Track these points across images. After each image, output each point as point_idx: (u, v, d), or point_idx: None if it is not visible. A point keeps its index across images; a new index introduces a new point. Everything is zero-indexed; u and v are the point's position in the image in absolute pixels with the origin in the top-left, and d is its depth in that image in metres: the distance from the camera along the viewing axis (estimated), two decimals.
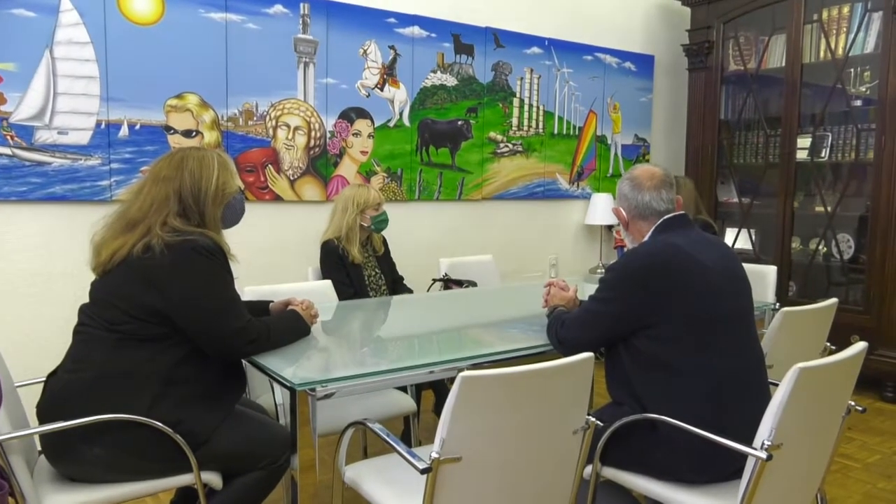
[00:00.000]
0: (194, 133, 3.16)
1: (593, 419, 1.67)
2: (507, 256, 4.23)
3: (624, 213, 2.02)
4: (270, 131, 3.37)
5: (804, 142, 4.26)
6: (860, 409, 1.85)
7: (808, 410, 1.60)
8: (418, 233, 3.95)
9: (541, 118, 4.38)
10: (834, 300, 2.35)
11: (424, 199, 3.95)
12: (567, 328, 1.95)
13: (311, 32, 3.43)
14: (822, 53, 4.15)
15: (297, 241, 3.49)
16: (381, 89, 3.70)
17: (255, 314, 2.05)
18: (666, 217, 1.93)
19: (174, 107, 3.09)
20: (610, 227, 4.77)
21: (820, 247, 4.30)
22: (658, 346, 1.78)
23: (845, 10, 4.03)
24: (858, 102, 4.07)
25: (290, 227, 3.48)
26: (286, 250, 3.46)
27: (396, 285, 3.35)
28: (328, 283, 2.86)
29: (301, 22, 3.40)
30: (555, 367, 1.51)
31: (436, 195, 3.97)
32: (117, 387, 1.73)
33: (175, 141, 3.11)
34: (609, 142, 4.77)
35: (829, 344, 2.48)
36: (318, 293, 2.75)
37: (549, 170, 4.47)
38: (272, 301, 2.23)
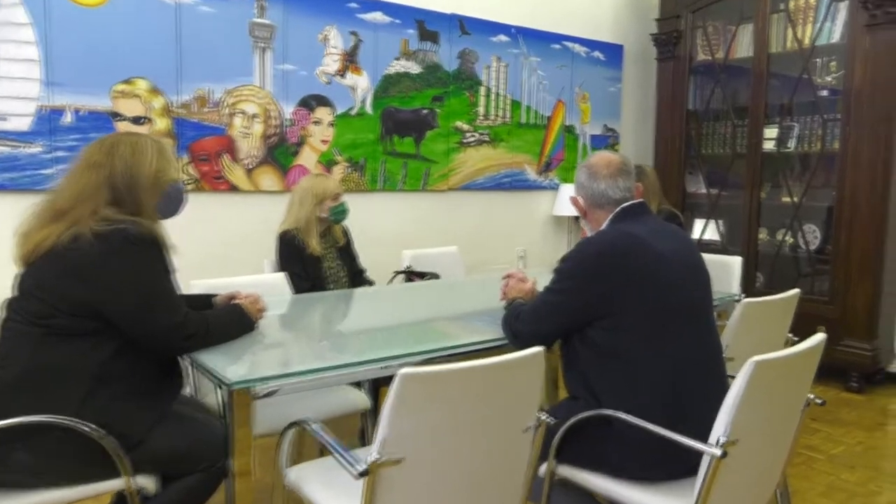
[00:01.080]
0: (143, 120, 3.03)
1: (544, 416, 1.61)
2: (474, 248, 4.16)
3: (581, 201, 1.95)
4: (225, 119, 3.25)
5: (771, 132, 4.24)
6: (819, 401, 1.81)
7: (765, 405, 1.55)
8: (381, 224, 3.86)
9: (508, 107, 4.31)
10: (796, 291, 2.31)
11: (388, 190, 3.86)
12: (522, 321, 1.88)
13: (267, 16, 3.32)
14: (788, 43, 4.13)
15: (254, 232, 3.37)
16: (343, 76, 3.60)
17: (196, 308, 1.95)
18: (623, 205, 1.87)
19: (122, 92, 2.96)
20: (577, 219, 4.72)
21: (787, 237, 4.29)
22: (613, 337, 1.72)
23: None
24: (825, 93, 4.06)
25: (248, 218, 3.37)
26: (243, 242, 3.35)
27: (357, 278, 3.26)
28: (281, 275, 2.76)
29: (257, 6, 3.28)
30: (501, 363, 1.44)
31: (399, 185, 3.89)
32: (43, 385, 1.62)
33: (123, 128, 2.98)
34: (577, 132, 4.72)
35: (791, 335, 2.45)
36: (269, 286, 2.66)
37: (516, 160, 4.40)
38: (216, 294, 2.13)
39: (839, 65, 3.95)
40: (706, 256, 3.44)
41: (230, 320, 1.93)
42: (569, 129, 4.66)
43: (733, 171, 4.49)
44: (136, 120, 3.01)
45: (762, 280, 4.38)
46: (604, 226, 1.89)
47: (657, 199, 3.07)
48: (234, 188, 3.31)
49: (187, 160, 3.16)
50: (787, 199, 4.22)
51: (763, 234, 4.42)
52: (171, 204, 1.90)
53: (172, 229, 3.16)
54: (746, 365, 1.45)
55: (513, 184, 4.40)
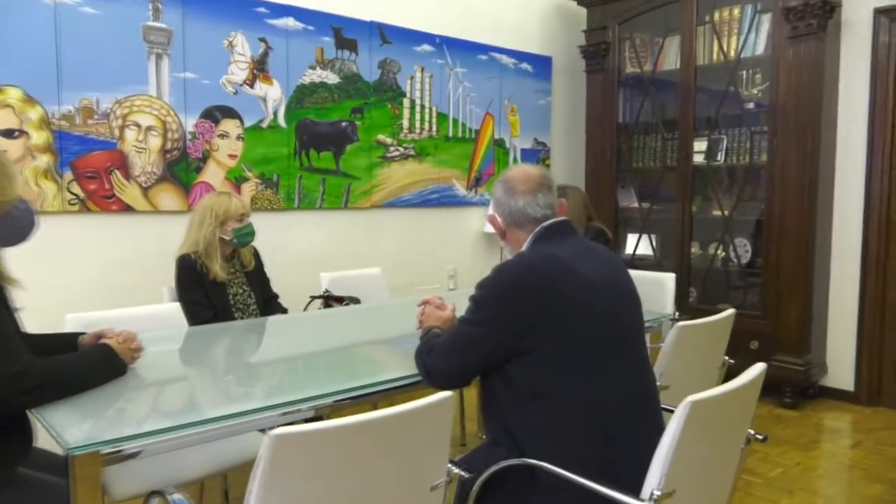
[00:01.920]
0: (17, 133, 2.68)
1: (456, 470, 1.38)
2: (400, 269, 3.93)
3: (499, 220, 1.75)
4: (116, 132, 2.93)
5: (700, 145, 4.19)
6: (760, 437, 1.65)
7: (703, 447, 1.37)
8: (299, 245, 3.58)
9: (434, 120, 4.12)
10: (731, 311, 2.17)
11: (305, 208, 3.59)
12: (434, 356, 1.66)
13: (163, 20, 3.02)
14: (715, 55, 4.09)
15: (152, 256, 3.05)
16: (251, 86, 3.33)
17: (59, 351, 1.67)
18: (545, 224, 1.68)
19: None
20: None
21: (718, 251, 4.23)
22: (534, 374, 1.52)
23: (736, 11, 3.98)
24: (751, 105, 4.03)
25: (144, 242, 3.05)
26: (139, 267, 3.02)
27: (269, 304, 2.98)
28: (175, 305, 2.46)
29: (151, 7, 2.98)
30: (400, 415, 1.21)
31: (318, 203, 3.62)
32: None
33: None
34: (507, 145, 4.56)
35: (727, 358, 2.31)
36: (158, 318, 2.36)
37: (444, 175, 4.20)
38: (84, 333, 1.82)
39: (764, 77, 3.93)
40: (638, 274, 3.33)
41: (92, 364, 1.64)
42: (499, 143, 4.50)
43: (664, 185, 4.42)
44: (8, 133, 2.66)
45: (695, 294, 4.31)
46: (524, 247, 1.70)
47: (583, 217, 2.93)
48: (128, 208, 2.98)
49: (71, 178, 2.82)
50: (717, 213, 4.17)
51: (695, 248, 4.35)
52: (15, 228, 1.60)
53: (53, 255, 2.84)
54: (681, 407, 1.26)
55: (441, 200, 4.20)
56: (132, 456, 1.38)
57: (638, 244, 4.57)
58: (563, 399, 1.49)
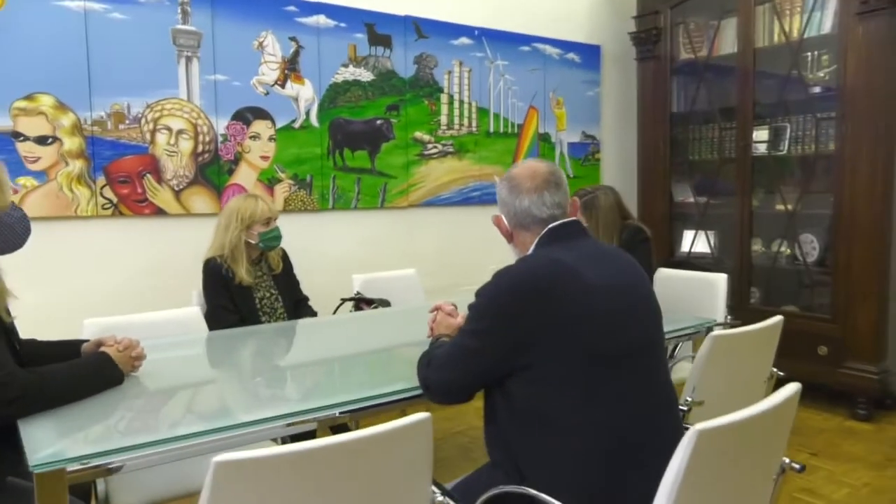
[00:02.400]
0: (51, 140, 2.73)
1: (441, 498, 1.26)
2: (440, 270, 3.82)
3: (505, 221, 1.62)
4: (147, 136, 2.95)
5: (761, 134, 3.89)
6: (797, 467, 1.45)
7: (718, 480, 1.20)
8: (333, 246, 3.53)
9: (474, 115, 3.99)
10: (777, 319, 1.96)
11: (340, 208, 3.53)
12: (433, 368, 1.54)
13: (192, 23, 3.02)
14: (776, 36, 3.79)
15: (185, 259, 3.05)
16: (283, 86, 3.29)
17: (61, 359, 1.64)
18: (552, 225, 1.53)
19: (23, 110, 2.66)
20: None
21: (782, 249, 3.92)
22: (534, 391, 1.38)
23: None
24: (817, 89, 3.70)
25: (177, 245, 3.06)
26: (172, 271, 3.04)
27: (299, 307, 2.93)
28: (194, 310, 2.43)
29: (180, 11, 2.98)
30: (367, 439, 1.11)
31: (353, 203, 3.56)
32: None
33: (26, 149, 2.68)
34: (553, 140, 4.38)
35: (775, 370, 2.09)
36: (176, 323, 2.34)
37: (485, 172, 4.07)
38: (87, 341, 1.80)
39: (831, 58, 3.60)
40: (688, 274, 3.11)
41: (84, 374, 1.61)
42: (544, 138, 4.33)
43: (723, 178, 4.13)
44: (42, 140, 2.71)
45: (758, 296, 4.01)
46: (530, 251, 1.56)
47: (618, 223, 2.75)
48: (160, 212, 3.00)
49: (104, 182, 2.85)
50: (781, 207, 3.86)
51: (757, 246, 4.05)
52: (9, 236, 1.58)
53: (87, 259, 2.88)
54: (688, 436, 1.10)
55: (483, 198, 4.07)
56: (111, 472, 1.33)
57: (694, 241, 4.30)
58: (564, 420, 1.35)
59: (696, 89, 4.24)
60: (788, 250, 3.92)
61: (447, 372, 1.50)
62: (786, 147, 3.80)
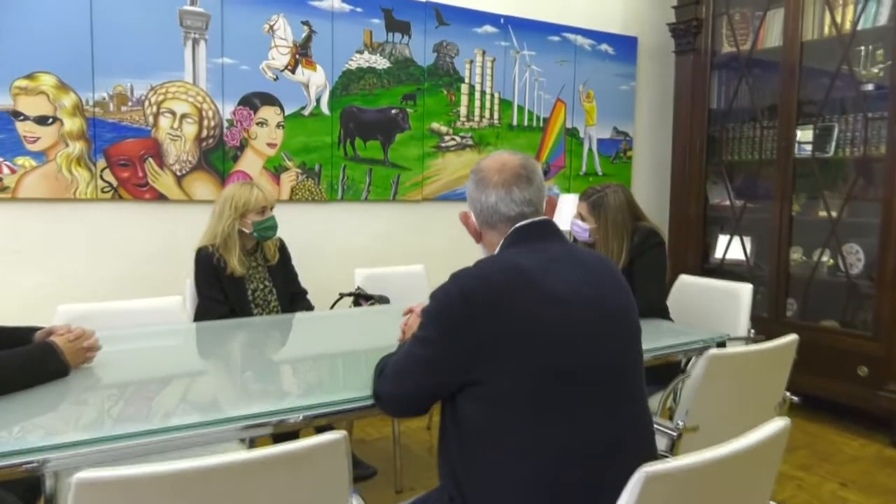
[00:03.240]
0: (51, 120, 2.70)
1: None
2: (449, 268, 3.64)
3: (473, 219, 1.46)
4: (150, 119, 2.89)
5: (806, 134, 3.60)
6: None
7: None
8: (340, 239, 3.43)
9: (496, 107, 3.82)
10: (791, 338, 1.75)
11: (350, 200, 3.42)
12: (385, 377, 1.41)
13: (200, 4, 2.95)
14: (826, 29, 3.49)
15: (185, 247, 2.97)
16: (293, 72, 3.20)
17: (5, 347, 1.57)
18: (518, 225, 1.37)
19: (24, 89, 2.64)
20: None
21: (824, 258, 3.63)
22: (483, 410, 1.23)
23: None
24: (869, 86, 3.40)
25: (177, 231, 3.00)
26: (172, 258, 2.98)
27: (295, 301, 2.84)
28: (176, 299, 2.36)
29: None
30: (267, 459, 0.98)
31: (364, 195, 3.45)
32: None
33: (27, 129, 2.65)
34: (582, 135, 4.18)
35: (788, 394, 1.88)
36: (156, 312, 2.26)
37: None
38: (41, 328, 1.73)
39: (887, 52, 3.29)
40: (708, 282, 2.88)
41: (23, 364, 1.53)
42: (571, 133, 4.13)
43: (763, 180, 3.86)
44: (42, 120, 2.68)
45: (795, 308, 3.73)
46: (496, 252, 1.40)
47: (628, 224, 2.53)
48: (161, 197, 2.94)
49: (104, 165, 2.81)
50: (824, 214, 3.57)
51: (797, 255, 3.77)
52: None
53: (85, 243, 2.84)
54: (633, 481, 0.93)
55: None
56: (32, 472, 1.25)
57: (728, 247, 4.03)
58: (512, 443, 1.19)
59: (737, 85, 3.97)
60: (831, 260, 3.63)
61: (398, 383, 1.37)
62: (832, 149, 3.51)
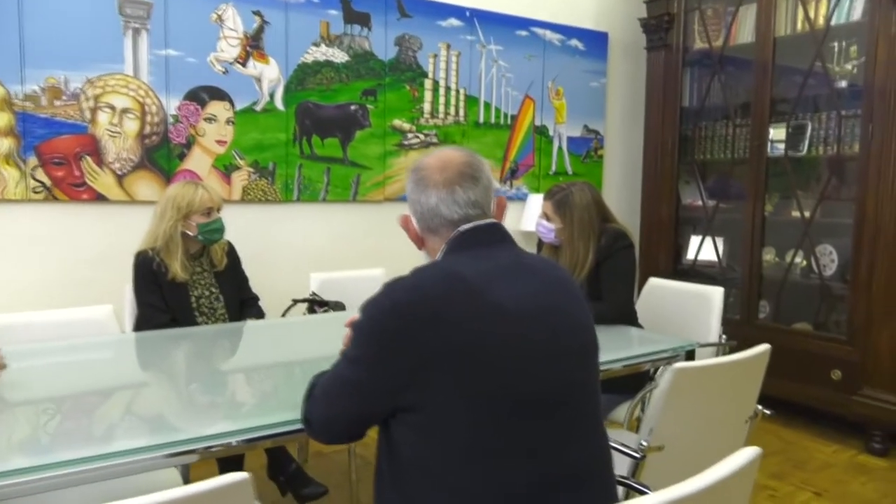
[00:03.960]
0: None
1: None
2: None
3: (415, 223, 1.31)
4: (87, 114, 2.70)
5: (779, 133, 3.51)
6: None
7: None
8: (298, 242, 3.26)
9: (461, 104, 3.68)
10: (763, 348, 1.63)
11: (306, 200, 3.26)
12: (313, 400, 1.25)
13: None
14: (799, 24, 3.41)
15: (127, 251, 2.76)
16: (244, 65, 3.02)
17: None
18: (461, 229, 1.22)
19: None
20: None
21: (797, 260, 3.55)
22: (417, 439, 1.08)
23: None
24: (842, 84, 3.32)
25: (118, 234, 2.81)
26: (113, 262, 2.79)
27: (245, 307, 2.67)
28: (107, 309, 2.18)
29: None
30: None
31: (322, 195, 3.28)
32: None
33: None
34: (551, 133, 4.05)
35: (760, 407, 1.76)
36: (85, 323, 2.08)
37: None
38: None
39: (860, 49, 3.21)
40: (678, 286, 2.76)
41: None
42: (540, 130, 4.00)
43: (736, 179, 3.77)
44: None
45: (768, 310, 3.64)
46: (436, 260, 1.26)
47: (595, 224, 2.40)
48: (100, 198, 2.76)
49: (36, 163, 2.62)
50: (797, 214, 3.48)
51: (770, 255, 3.68)
52: None
53: (13, 247, 2.64)
54: None
55: None
56: None
57: (700, 248, 3.94)
58: (447, 476, 1.05)
59: (709, 82, 3.87)
60: (804, 262, 3.55)
61: (325, 406, 1.21)
62: (805, 147, 3.42)
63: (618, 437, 1.46)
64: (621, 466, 1.53)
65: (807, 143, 3.42)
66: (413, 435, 1.09)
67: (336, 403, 1.19)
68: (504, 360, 1.07)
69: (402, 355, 1.07)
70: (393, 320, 1.09)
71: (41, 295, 2.64)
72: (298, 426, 1.33)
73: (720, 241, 3.89)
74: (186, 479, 1.83)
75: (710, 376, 1.53)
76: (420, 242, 1.32)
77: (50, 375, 1.72)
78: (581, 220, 2.38)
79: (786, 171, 3.51)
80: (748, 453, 1.00)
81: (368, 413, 1.15)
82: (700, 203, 3.96)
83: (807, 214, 3.43)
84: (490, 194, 1.27)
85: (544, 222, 2.49)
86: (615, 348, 2.07)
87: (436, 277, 1.12)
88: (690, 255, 4.00)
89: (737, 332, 3.54)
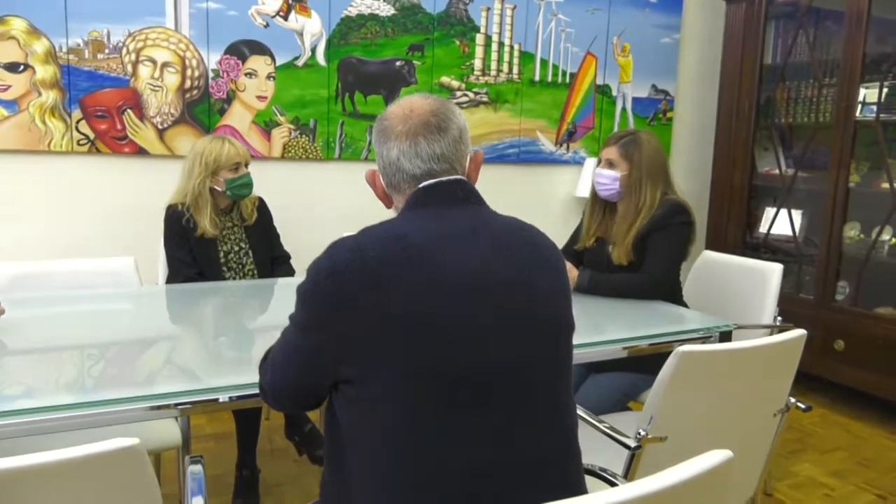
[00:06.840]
0: (22, 67, 2.57)
1: None
2: None
3: (381, 178, 1.20)
4: (129, 67, 2.72)
5: (871, 94, 3.12)
6: None
7: None
8: (338, 201, 3.21)
9: (515, 61, 3.48)
10: (797, 333, 1.42)
11: (348, 159, 3.19)
12: (267, 365, 1.18)
13: None
14: None
15: (166, 203, 2.85)
16: (286, 18, 2.96)
17: None
18: (422, 185, 1.10)
19: None
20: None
21: (884, 237, 3.18)
22: (357, 414, 0.99)
23: None
24: None
25: (158, 187, 2.82)
26: (152, 215, 2.82)
27: (276, 265, 2.65)
28: (129, 261, 2.20)
29: None
30: (18, 472, 0.77)
31: (364, 154, 3.21)
32: None
33: None
34: (615, 93, 3.79)
35: (793, 400, 1.56)
36: (106, 274, 2.11)
37: (526, 126, 3.57)
38: None
39: None
40: (735, 261, 2.51)
41: None
42: (602, 90, 3.75)
43: (820, 146, 3.40)
44: (13, 67, 2.55)
45: (847, 292, 3.30)
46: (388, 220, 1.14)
47: (655, 182, 2.14)
48: (141, 151, 2.79)
49: (80, 116, 2.67)
50: (886, 186, 3.11)
51: (853, 231, 3.32)
52: None
53: (58, 197, 2.72)
54: None
55: (521, 156, 3.58)
56: None
57: (774, 221, 3.61)
58: (384, 462, 0.95)
59: (794, 37, 3.49)
60: (893, 239, 3.17)
61: (276, 372, 1.13)
62: None
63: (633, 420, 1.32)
64: (619, 456, 1.39)
65: None
66: (350, 411, 1.00)
67: (286, 370, 1.10)
68: (447, 333, 0.95)
69: (339, 322, 0.98)
70: (330, 283, 0.99)
71: (82, 244, 2.72)
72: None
73: (798, 215, 3.54)
74: (186, 435, 1.83)
75: (724, 362, 1.35)
76: (388, 201, 1.21)
77: (54, 323, 1.74)
78: (651, 163, 2.14)
79: (877, 139, 3.13)
80: (720, 455, 0.85)
81: (313, 382, 1.07)
82: (777, 172, 3.61)
83: None
84: (461, 148, 1.14)
85: (605, 171, 2.22)
86: (643, 325, 1.91)
87: (379, 238, 1.01)
88: (763, 228, 3.68)
89: (810, 314, 3.24)
